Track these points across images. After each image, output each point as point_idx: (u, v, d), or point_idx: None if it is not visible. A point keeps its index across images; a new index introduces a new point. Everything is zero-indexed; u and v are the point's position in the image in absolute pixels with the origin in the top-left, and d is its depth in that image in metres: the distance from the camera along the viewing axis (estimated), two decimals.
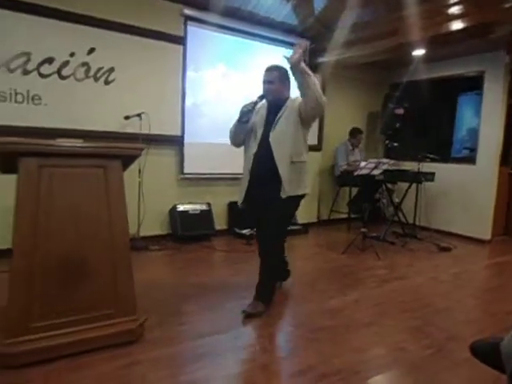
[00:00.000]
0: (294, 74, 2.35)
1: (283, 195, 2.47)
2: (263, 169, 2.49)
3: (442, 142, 5.55)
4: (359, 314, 2.57)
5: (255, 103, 2.48)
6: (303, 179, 2.58)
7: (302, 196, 2.60)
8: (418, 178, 4.77)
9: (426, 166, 4.87)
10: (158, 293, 2.76)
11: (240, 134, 2.60)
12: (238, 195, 2.70)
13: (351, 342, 2.18)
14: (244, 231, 4.40)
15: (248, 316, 2.41)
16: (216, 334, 2.23)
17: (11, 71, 3.32)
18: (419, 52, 4.70)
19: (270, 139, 2.47)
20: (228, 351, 2.05)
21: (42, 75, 3.45)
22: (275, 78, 2.52)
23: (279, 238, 2.61)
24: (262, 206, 2.54)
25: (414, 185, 4.94)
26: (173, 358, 1.94)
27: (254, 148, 2.54)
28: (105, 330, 1.93)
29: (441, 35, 3.83)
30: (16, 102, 3.35)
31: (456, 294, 3.07)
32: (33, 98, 3.42)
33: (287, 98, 2.59)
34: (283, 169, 2.46)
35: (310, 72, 2.33)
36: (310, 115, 2.47)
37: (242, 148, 2.71)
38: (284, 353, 2.09)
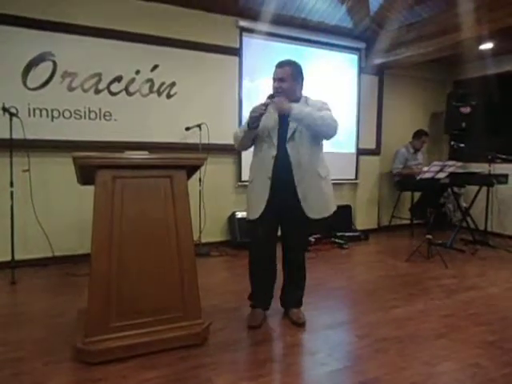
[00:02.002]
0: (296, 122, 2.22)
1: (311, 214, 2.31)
2: (287, 176, 2.28)
3: None
4: (426, 326, 2.44)
5: (266, 105, 2.22)
6: (331, 196, 2.42)
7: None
8: (489, 180, 4.44)
9: (498, 168, 4.52)
10: (220, 298, 2.83)
11: (250, 139, 2.37)
12: (250, 207, 2.40)
13: (420, 355, 2.07)
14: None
15: (302, 325, 2.40)
16: (277, 340, 2.24)
17: (85, 91, 3.64)
18: (486, 46, 4.40)
19: (289, 151, 2.26)
20: (290, 357, 2.05)
21: (111, 93, 3.74)
22: (287, 74, 2.26)
23: (307, 243, 2.73)
24: (288, 213, 2.34)
25: (484, 188, 4.61)
26: (236, 362, 1.97)
27: (272, 152, 2.29)
28: (174, 332, 2.02)
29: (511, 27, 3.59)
30: (90, 118, 3.67)
31: None
32: (104, 115, 3.72)
33: (299, 98, 2.34)
34: (308, 186, 2.28)
35: (307, 109, 2.19)
36: (324, 139, 2.35)
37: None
38: (349, 362, 2.03)
